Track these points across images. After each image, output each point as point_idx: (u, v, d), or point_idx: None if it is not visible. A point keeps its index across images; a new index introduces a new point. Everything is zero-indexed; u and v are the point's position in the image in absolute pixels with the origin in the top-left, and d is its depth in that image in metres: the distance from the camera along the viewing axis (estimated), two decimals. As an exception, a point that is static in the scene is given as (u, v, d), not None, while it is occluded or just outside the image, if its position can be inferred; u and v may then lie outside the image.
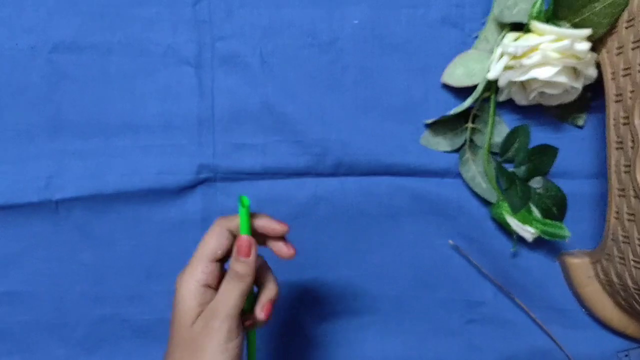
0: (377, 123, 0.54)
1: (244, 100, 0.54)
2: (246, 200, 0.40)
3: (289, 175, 0.55)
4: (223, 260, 0.41)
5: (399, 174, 0.55)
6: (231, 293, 0.39)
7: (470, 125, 0.54)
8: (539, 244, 0.55)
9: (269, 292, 0.42)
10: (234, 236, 0.41)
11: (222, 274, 0.41)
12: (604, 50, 0.49)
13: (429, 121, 0.54)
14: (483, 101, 0.54)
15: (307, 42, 0.54)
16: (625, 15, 0.46)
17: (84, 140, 0.54)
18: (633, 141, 0.46)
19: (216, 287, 0.40)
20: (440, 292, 0.57)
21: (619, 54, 0.47)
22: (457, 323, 0.57)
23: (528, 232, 0.52)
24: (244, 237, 0.40)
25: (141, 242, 0.55)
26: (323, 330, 0.58)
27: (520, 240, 0.54)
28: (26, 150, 0.54)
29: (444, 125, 0.54)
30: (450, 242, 0.56)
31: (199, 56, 0.54)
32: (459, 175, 0.55)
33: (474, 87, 0.52)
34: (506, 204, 0.53)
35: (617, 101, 0.48)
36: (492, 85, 0.53)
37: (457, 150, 0.55)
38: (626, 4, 0.46)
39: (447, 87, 0.54)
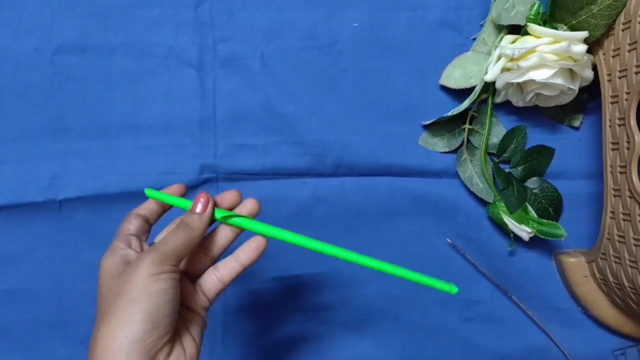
0: (376, 124, 0.55)
1: (245, 101, 0.54)
2: (147, 191, 0.42)
3: (289, 175, 0.56)
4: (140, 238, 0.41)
5: (398, 174, 0.55)
6: (174, 236, 0.37)
7: (467, 126, 0.54)
8: (536, 243, 0.56)
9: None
10: (146, 221, 0.41)
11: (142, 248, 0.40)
12: (600, 52, 0.50)
13: (427, 122, 0.54)
14: (480, 103, 0.54)
15: (307, 44, 0.54)
16: (621, 18, 0.46)
17: (87, 140, 0.54)
18: (629, 142, 0.46)
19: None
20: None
21: (615, 56, 0.48)
22: (455, 321, 0.58)
23: (524, 231, 0.53)
24: (203, 193, 0.39)
25: (143, 242, 0.56)
26: (322, 328, 0.58)
27: (517, 239, 0.55)
28: (30, 150, 0.54)
29: (442, 126, 0.55)
30: (449, 240, 0.57)
31: (200, 58, 0.54)
32: (456, 175, 0.55)
33: (472, 88, 0.53)
34: (503, 204, 0.53)
35: (613, 102, 0.49)
36: (489, 87, 0.53)
37: (454, 151, 0.55)
38: (623, 7, 0.46)
39: (445, 89, 0.54)
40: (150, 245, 0.41)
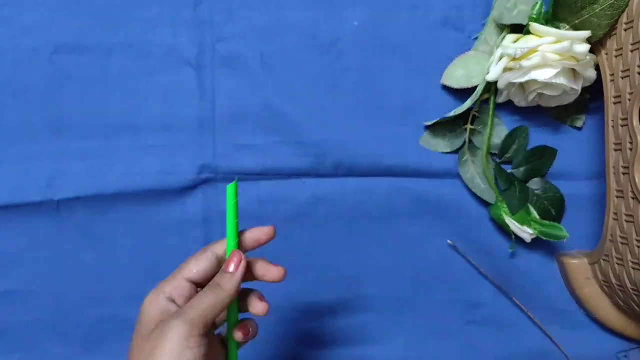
0: (376, 124, 0.55)
1: (244, 101, 0.54)
2: (231, 188, 0.40)
3: (289, 175, 0.55)
4: (200, 284, 0.39)
5: (399, 174, 0.55)
6: (203, 298, 0.36)
7: (469, 126, 0.54)
8: (537, 244, 0.55)
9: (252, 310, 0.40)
10: (218, 261, 0.39)
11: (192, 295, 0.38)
12: (602, 52, 0.50)
13: (429, 123, 0.54)
14: (482, 102, 0.54)
15: (307, 43, 0.54)
16: (624, 17, 0.46)
17: (85, 140, 0.54)
18: (631, 142, 0.46)
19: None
20: (439, 292, 0.57)
21: (617, 55, 0.48)
22: (456, 323, 0.57)
23: (526, 232, 0.52)
24: (235, 252, 0.38)
25: (141, 242, 0.55)
26: (322, 330, 0.58)
27: (519, 240, 0.54)
28: (28, 150, 0.54)
29: (443, 126, 0.54)
30: (449, 242, 0.56)
31: (199, 57, 0.54)
32: (458, 176, 0.55)
33: (474, 88, 0.53)
34: (505, 205, 0.53)
35: (615, 102, 0.48)
36: (491, 87, 0.53)
37: (456, 151, 0.55)
38: (625, 6, 0.46)
39: (447, 89, 0.54)
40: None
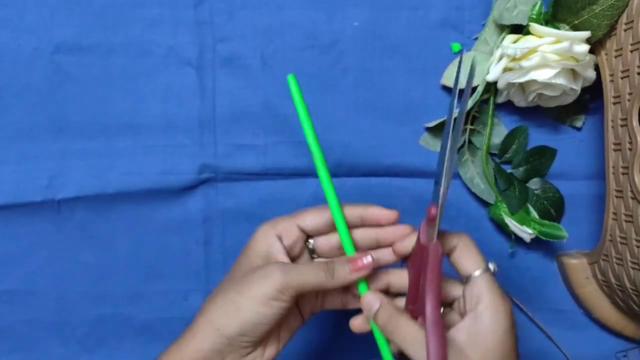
0: (377, 124, 0.55)
1: (244, 101, 0.54)
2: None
3: (289, 175, 0.55)
4: (309, 235, 0.42)
5: (399, 175, 0.55)
6: (311, 273, 0.37)
7: (469, 126, 0.54)
8: (537, 244, 0.55)
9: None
10: (314, 231, 0.41)
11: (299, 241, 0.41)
12: (602, 52, 0.50)
13: (429, 125, 0.54)
14: (482, 103, 0.54)
15: (307, 43, 0.54)
16: (624, 18, 0.46)
17: (86, 140, 0.54)
18: (631, 143, 0.46)
19: (290, 251, 0.40)
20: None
21: (617, 56, 0.48)
22: (456, 323, 0.57)
23: (526, 232, 0.52)
24: (369, 255, 0.39)
25: (142, 242, 0.55)
26: (322, 330, 0.58)
27: (519, 240, 0.54)
28: (29, 150, 0.54)
29: (444, 126, 0.54)
30: (449, 242, 0.56)
31: (200, 57, 0.54)
32: (457, 176, 0.55)
33: (474, 88, 0.53)
34: (504, 205, 0.53)
35: (615, 103, 0.48)
36: (491, 87, 0.53)
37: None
38: (625, 6, 0.46)
39: (447, 89, 0.54)
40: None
